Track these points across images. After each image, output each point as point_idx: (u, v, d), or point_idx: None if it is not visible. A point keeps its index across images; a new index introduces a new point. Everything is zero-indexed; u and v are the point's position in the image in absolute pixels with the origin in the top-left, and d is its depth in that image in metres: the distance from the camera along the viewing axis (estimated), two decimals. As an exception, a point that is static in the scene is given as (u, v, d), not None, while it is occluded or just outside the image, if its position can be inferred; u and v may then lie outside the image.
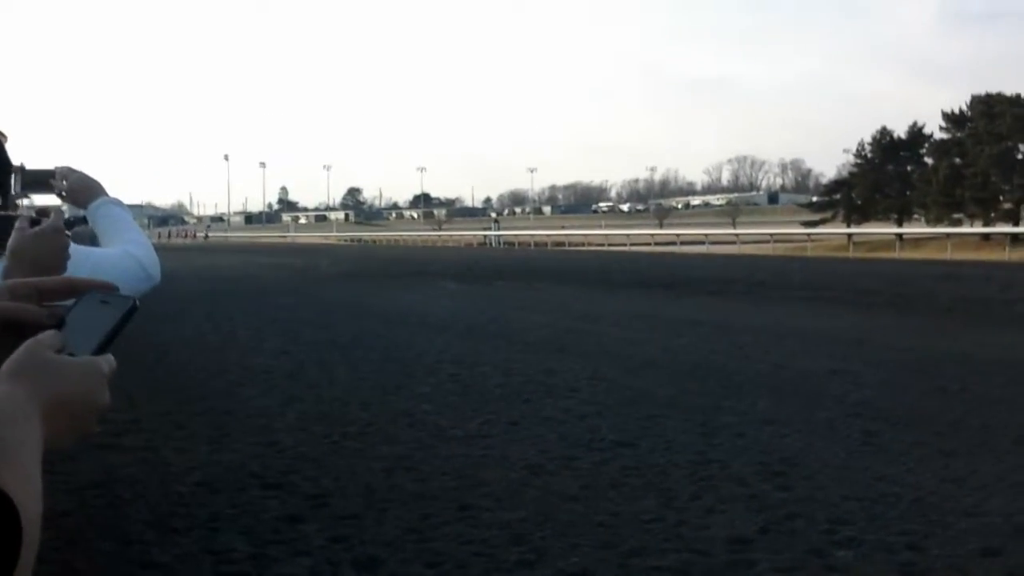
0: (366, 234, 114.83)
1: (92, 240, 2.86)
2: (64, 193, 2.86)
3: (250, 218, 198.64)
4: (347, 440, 7.43)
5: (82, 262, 2.39)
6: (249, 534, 5.22)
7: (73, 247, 2.45)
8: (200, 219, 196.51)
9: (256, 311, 18.66)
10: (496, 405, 8.71)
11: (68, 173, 2.84)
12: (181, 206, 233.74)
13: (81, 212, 2.96)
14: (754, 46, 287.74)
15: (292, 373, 10.76)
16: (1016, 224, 55.73)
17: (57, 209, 2.92)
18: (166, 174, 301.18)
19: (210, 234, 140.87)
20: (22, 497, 0.92)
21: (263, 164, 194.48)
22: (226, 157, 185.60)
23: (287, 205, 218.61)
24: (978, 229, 55.40)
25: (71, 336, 1.14)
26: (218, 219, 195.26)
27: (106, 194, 2.86)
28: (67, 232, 2.16)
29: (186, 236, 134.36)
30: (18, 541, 0.90)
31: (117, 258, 2.62)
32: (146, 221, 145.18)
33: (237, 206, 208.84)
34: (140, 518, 5.55)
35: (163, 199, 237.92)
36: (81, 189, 2.84)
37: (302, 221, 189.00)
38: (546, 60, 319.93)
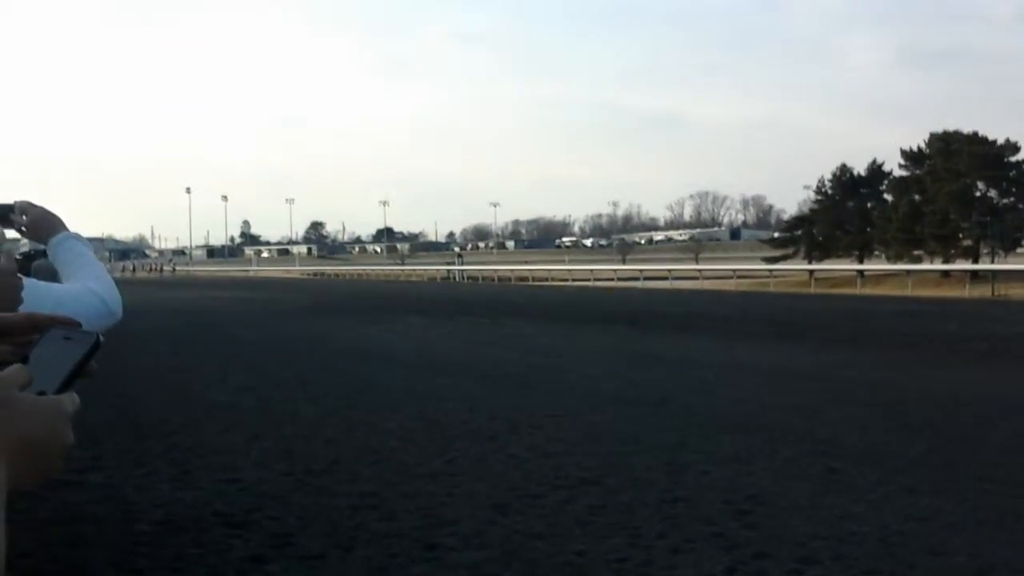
0: (329, 268, 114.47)
1: (52, 274, 2.83)
2: (24, 228, 2.83)
3: (212, 251, 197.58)
4: (311, 478, 7.37)
5: (43, 298, 2.36)
6: (213, 575, 5.16)
7: (34, 283, 2.42)
8: (162, 252, 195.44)
9: (218, 346, 18.55)
10: (462, 442, 8.68)
11: (28, 208, 2.82)
12: (143, 239, 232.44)
13: (41, 246, 2.93)
14: (714, 83, 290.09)
15: (255, 409, 10.69)
16: (975, 261, 56.26)
17: (8, 252, 2.90)
18: (127, 207, 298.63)
19: (176, 267, 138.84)
20: None
21: (225, 197, 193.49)
22: (188, 190, 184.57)
23: (249, 239, 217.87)
24: (938, 266, 55.84)
25: (35, 373, 1.10)
26: (180, 252, 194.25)
27: (67, 229, 2.83)
28: (19, 275, 2.13)
29: (151, 270, 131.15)
30: None
31: (79, 294, 2.59)
32: (107, 254, 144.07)
33: (199, 239, 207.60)
34: (103, 558, 5.49)
35: (124, 232, 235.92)
36: (42, 224, 2.81)
37: (264, 255, 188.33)
38: (509, 95, 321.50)
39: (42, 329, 1.17)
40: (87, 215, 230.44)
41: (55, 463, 1.07)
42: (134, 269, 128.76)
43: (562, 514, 6.31)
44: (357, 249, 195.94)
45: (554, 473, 7.41)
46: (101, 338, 1.18)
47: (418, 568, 5.26)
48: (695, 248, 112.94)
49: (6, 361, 1.12)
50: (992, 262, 54.93)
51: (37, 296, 2.17)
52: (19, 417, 1.04)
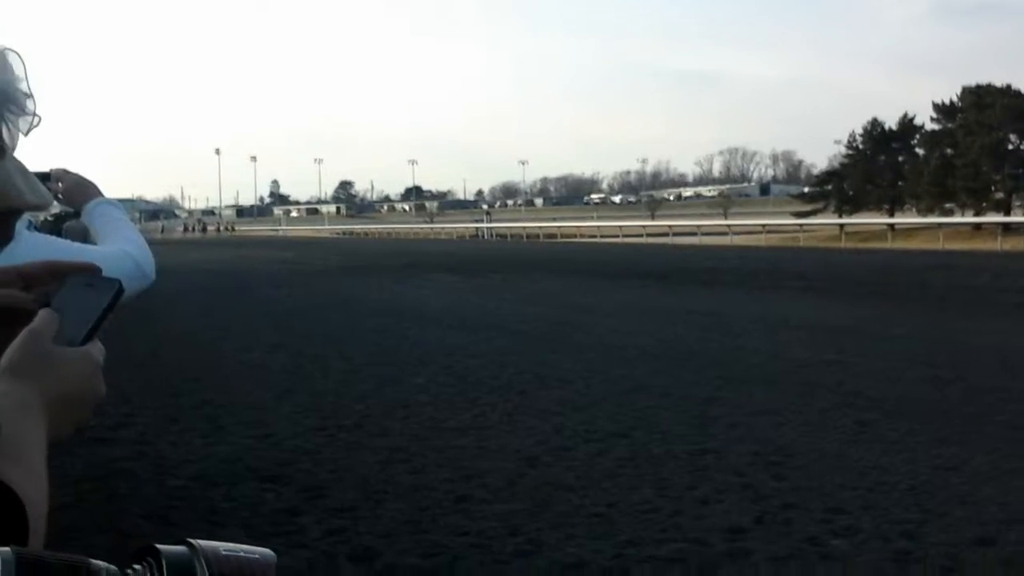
0: (358, 227, 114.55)
1: (84, 234, 2.87)
2: (60, 195, 2.87)
3: (241, 211, 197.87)
4: (342, 433, 7.43)
5: (77, 259, 2.38)
6: (247, 527, 5.22)
7: (67, 244, 2.45)
8: (191, 212, 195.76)
9: (250, 305, 18.66)
10: (491, 397, 8.71)
11: (64, 175, 2.85)
12: (172, 200, 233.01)
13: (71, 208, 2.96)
14: (744, 40, 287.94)
15: (286, 366, 10.76)
16: (1007, 214, 55.60)
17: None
18: (157, 168, 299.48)
19: (235, 227, 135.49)
20: (29, 492, 0.91)
21: (254, 158, 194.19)
22: (217, 151, 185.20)
23: (278, 199, 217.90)
24: (969, 219, 55.33)
25: (59, 322, 1.10)
26: (209, 212, 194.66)
27: (101, 195, 2.87)
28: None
29: (204, 230, 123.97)
30: (25, 537, 0.89)
31: (113, 257, 2.61)
32: (137, 215, 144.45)
33: (228, 200, 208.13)
34: (137, 512, 5.56)
35: (154, 193, 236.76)
36: (77, 191, 2.85)
37: (293, 214, 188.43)
38: (536, 52, 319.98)
39: (62, 276, 1.16)
40: (118, 177, 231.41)
41: (87, 414, 1.09)
42: (185, 229, 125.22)
43: (592, 467, 6.34)
44: (386, 208, 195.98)
45: (584, 427, 7.44)
46: (123, 285, 1.17)
47: (448, 519, 5.30)
48: (724, 204, 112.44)
49: (27, 310, 1.12)
50: (1024, 215, 54.42)
51: (71, 257, 2.19)
52: (54, 369, 1.05)
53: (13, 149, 1.42)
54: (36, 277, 1.18)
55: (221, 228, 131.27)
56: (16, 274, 1.18)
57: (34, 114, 1.37)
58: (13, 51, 1.33)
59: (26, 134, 1.39)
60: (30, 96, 1.35)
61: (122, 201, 3.13)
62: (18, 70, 1.33)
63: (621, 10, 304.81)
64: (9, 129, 1.36)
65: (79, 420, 1.08)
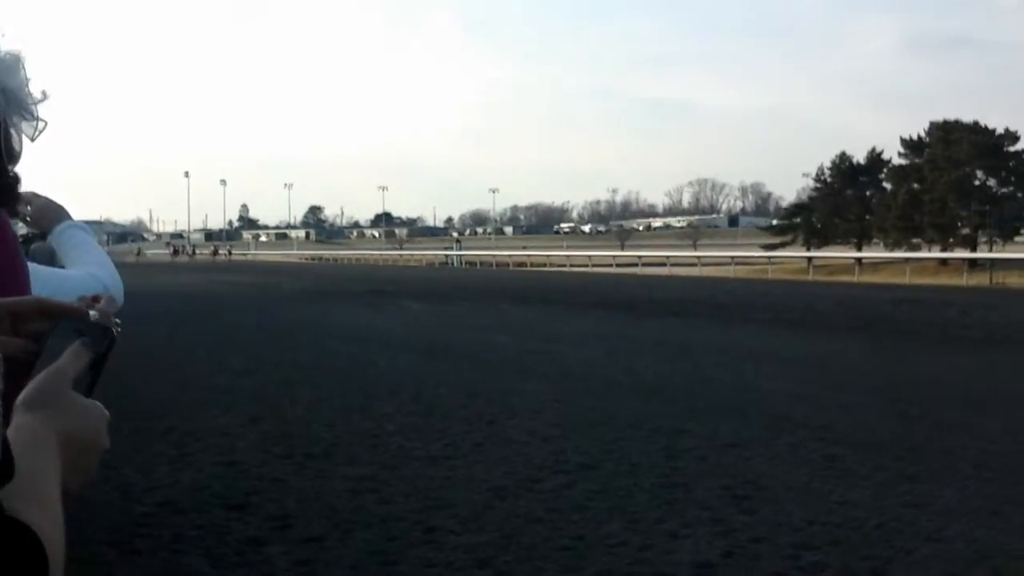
0: (327, 252, 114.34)
1: (51, 256, 2.84)
2: (28, 218, 2.84)
3: (210, 235, 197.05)
4: (310, 461, 7.38)
5: (45, 282, 2.36)
6: (212, 556, 5.18)
7: (35, 268, 2.42)
8: (160, 236, 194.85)
9: (217, 331, 18.56)
10: (460, 426, 8.69)
11: (33, 198, 2.83)
12: (141, 222, 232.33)
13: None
14: (714, 70, 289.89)
15: (254, 393, 10.70)
16: (973, 249, 56.21)
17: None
18: (125, 190, 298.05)
19: (232, 251, 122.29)
20: (47, 529, 0.90)
21: (224, 181, 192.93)
22: (186, 174, 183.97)
23: (248, 223, 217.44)
24: (936, 254, 55.77)
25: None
26: (178, 236, 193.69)
27: (70, 217, 2.85)
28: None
29: (188, 254, 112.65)
30: (46, 574, 0.88)
31: (81, 280, 2.59)
32: (105, 237, 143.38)
33: (197, 223, 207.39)
34: (102, 539, 5.50)
35: (122, 215, 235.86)
36: (45, 213, 2.83)
37: (263, 239, 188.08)
38: (507, 80, 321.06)
39: (52, 317, 1.14)
40: (86, 199, 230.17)
41: (94, 466, 1.07)
42: (175, 252, 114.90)
43: (560, 498, 6.32)
44: (355, 234, 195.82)
45: (553, 458, 7.43)
46: (116, 333, 1.15)
47: (416, 551, 5.27)
48: (693, 235, 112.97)
49: (18, 359, 1.08)
50: (990, 250, 54.97)
51: (39, 281, 2.17)
52: (71, 413, 1.04)
53: (20, 156, 1.39)
54: (26, 316, 1.14)
55: (220, 252, 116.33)
56: (5, 311, 1.14)
57: (38, 119, 1.35)
58: (18, 55, 1.30)
59: (33, 140, 1.38)
60: (38, 100, 1.33)
61: (90, 223, 3.11)
62: (25, 73, 1.31)
63: (593, 38, 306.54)
64: (19, 135, 1.34)
65: (86, 471, 1.06)
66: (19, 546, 0.87)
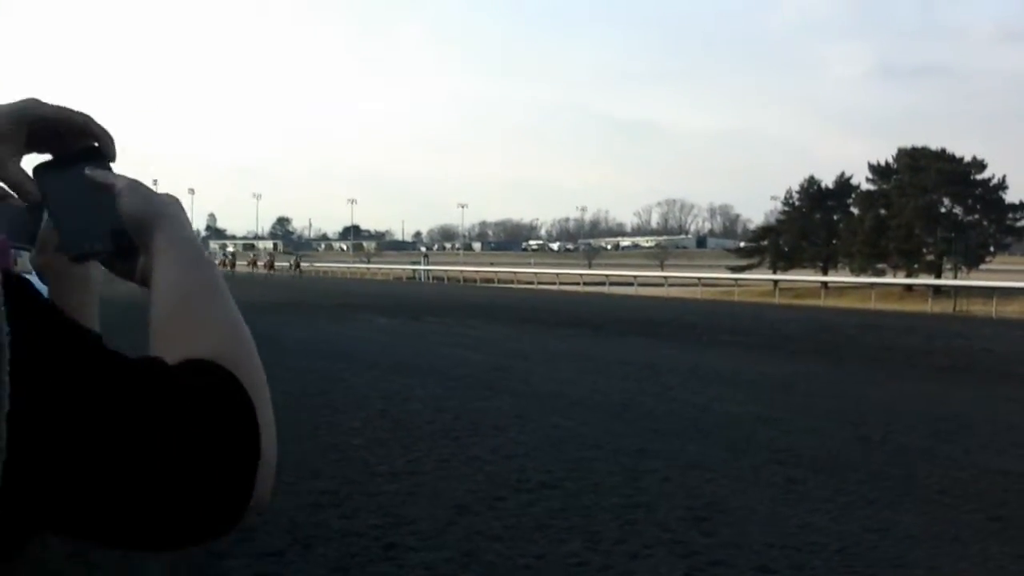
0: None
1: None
2: None
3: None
4: (272, 474, 7.34)
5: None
6: (172, 569, 5.14)
7: None
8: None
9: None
10: (425, 443, 8.68)
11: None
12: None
13: None
14: (686, 91, 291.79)
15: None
16: (938, 276, 56.66)
17: None
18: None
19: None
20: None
21: (192, 190, 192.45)
22: (155, 182, 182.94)
23: (215, 232, 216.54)
24: (901, 280, 56.11)
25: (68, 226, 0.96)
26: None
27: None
28: None
29: (270, 267, 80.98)
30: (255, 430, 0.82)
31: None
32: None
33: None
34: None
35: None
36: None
37: (230, 249, 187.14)
38: (480, 96, 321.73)
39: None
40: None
41: None
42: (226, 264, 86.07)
43: (522, 517, 6.32)
44: (323, 246, 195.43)
45: (516, 476, 7.43)
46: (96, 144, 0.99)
47: (376, 567, 5.26)
48: (661, 255, 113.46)
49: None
50: (955, 278, 55.35)
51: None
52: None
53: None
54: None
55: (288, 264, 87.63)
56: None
57: None
58: None
59: None
60: None
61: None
62: None
63: (563, 55, 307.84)
64: None
65: None
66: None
